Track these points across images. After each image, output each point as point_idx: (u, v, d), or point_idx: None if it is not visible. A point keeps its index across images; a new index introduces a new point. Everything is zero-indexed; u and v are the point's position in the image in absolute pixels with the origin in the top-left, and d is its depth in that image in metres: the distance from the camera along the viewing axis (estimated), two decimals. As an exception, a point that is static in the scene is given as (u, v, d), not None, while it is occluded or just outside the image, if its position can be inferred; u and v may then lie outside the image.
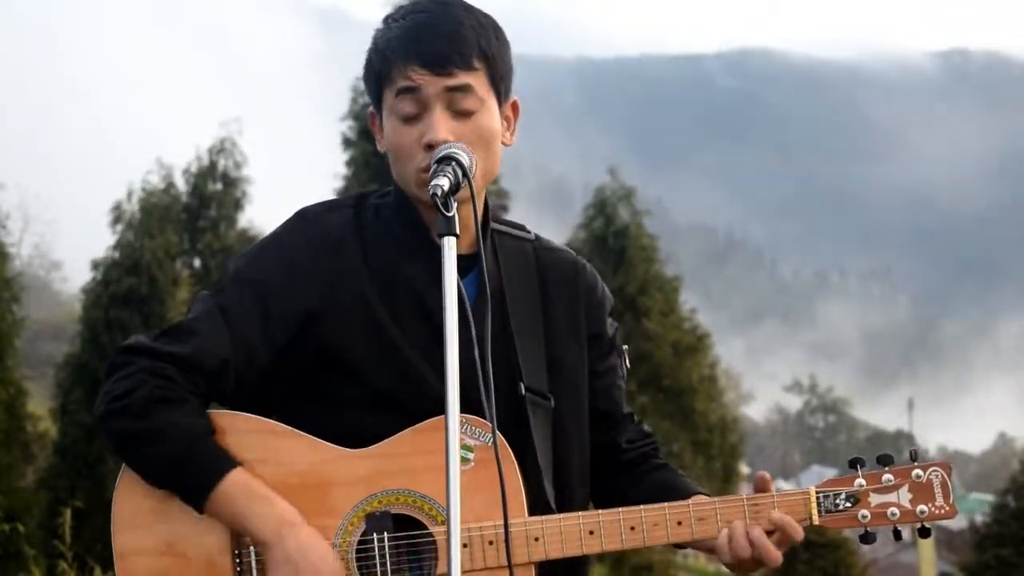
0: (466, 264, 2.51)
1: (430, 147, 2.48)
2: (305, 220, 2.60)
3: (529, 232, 2.74)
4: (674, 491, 2.62)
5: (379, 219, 2.60)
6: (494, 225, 2.68)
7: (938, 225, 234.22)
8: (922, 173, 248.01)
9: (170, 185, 24.29)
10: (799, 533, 2.50)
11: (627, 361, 2.78)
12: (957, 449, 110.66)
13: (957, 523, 33.79)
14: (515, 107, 2.64)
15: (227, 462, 2.42)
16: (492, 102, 2.54)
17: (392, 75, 2.53)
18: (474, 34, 2.52)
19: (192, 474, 2.41)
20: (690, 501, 2.52)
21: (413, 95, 2.51)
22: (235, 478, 2.41)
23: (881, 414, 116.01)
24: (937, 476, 2.53)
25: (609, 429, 2.72)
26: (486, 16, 2.59)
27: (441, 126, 2.48)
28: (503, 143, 2.61)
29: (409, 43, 2.52)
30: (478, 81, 2.51)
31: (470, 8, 2.58)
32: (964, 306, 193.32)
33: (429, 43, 2.50)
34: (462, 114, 2.50)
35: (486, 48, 2.53)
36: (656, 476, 2.71)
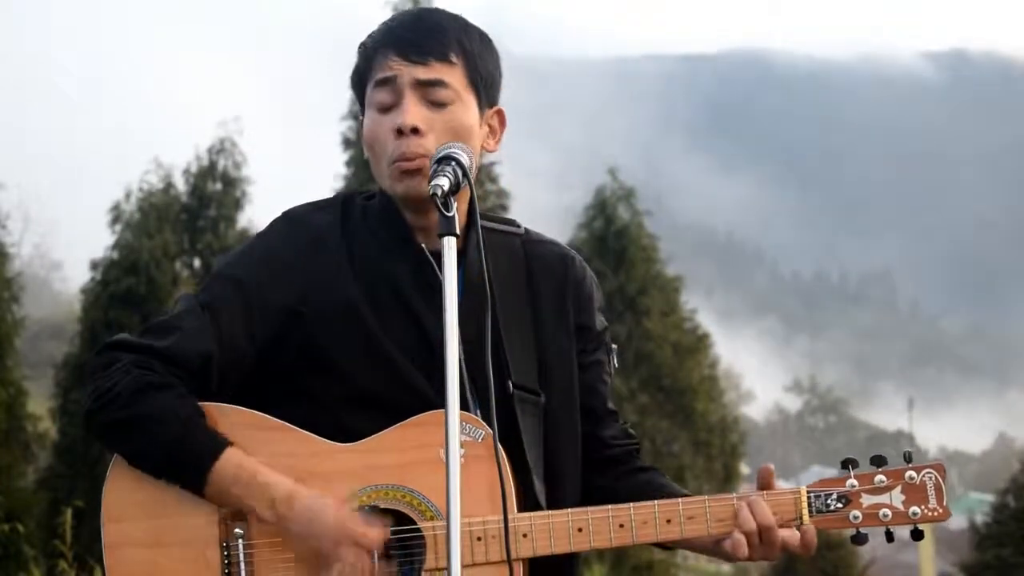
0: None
1: (400, 133, 2.50)
2: (289, 220, 2.62)
3: (519, 226, 2.73)
4: (661, 491, 2.59)
5: (365, 220, 2.60)
6: (481, 222, 2.64)
7: (938, 225, 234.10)
8: (922, 173, 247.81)
9: (169, 185, 24.20)
10: (769, 518, 2.45)
11: (615, 360, 2.75)
12: (957, 449, 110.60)
13: (957, 523, 33.68)
14: (501, 116, 2.64)
15: (220, 443, 2.42)
16: (469, 98, 2.55)
17: (372, 68, 2.57)
18: (454, 31, 2.56)
19: (187, 458, 2.41)
20: (679, 499, 2.50)
21: (389, 85, 2.53)
22: (230, 458, 2.41)
23: (881, 414, 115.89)
24: (931, 478, 2.50)
25: (592, 424, 2.69)
26: (474, 26, 2.62)
27: (411, 112, 2.49)
28: (486, 148, 2.63)
29: (389, 34, 2.57)
30: (454, 75, 2.53)
31: (458, 16, 2.61)
32: (965, 307, 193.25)
33: (407, 34, 2.55)
34: (435, 104, 2.51)
35: (466, 45, 2.56)
36: (643, 476, 2.68)
